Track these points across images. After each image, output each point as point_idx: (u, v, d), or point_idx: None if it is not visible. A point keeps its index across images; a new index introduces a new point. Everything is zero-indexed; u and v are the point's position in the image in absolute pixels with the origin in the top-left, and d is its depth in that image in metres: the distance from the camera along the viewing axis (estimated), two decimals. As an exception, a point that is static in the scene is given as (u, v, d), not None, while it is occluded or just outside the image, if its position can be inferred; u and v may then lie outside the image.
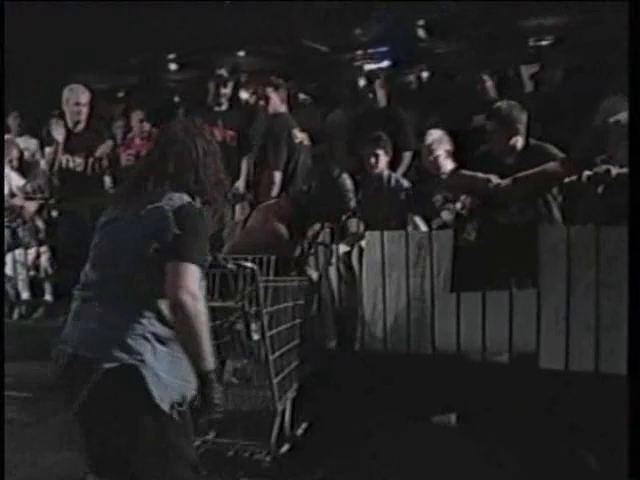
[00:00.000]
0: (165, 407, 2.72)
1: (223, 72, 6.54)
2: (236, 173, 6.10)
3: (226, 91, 6.29)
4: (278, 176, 5.64)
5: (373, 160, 5.85)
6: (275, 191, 5.65)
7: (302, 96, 10.71)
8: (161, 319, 2.75)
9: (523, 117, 5.04)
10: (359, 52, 12.48)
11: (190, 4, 11.04)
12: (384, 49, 12.50)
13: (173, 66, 12.41)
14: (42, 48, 10.32)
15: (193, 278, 2.68)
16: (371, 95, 6.79)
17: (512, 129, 4.97)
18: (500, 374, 4.79)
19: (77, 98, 6.37)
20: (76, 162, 6.26)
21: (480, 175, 4.91)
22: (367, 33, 12.34)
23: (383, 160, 5.89)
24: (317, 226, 4.75)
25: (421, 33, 12.17)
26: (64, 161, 6.26)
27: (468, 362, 4.91)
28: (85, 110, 6.34)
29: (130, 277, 2.75)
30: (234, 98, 6.69)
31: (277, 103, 5.94)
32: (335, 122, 6.98)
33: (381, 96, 6.71)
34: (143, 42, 11.55)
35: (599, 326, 4.54)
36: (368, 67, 12.15)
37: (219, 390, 2.77)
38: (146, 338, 2.73)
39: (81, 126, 6.40)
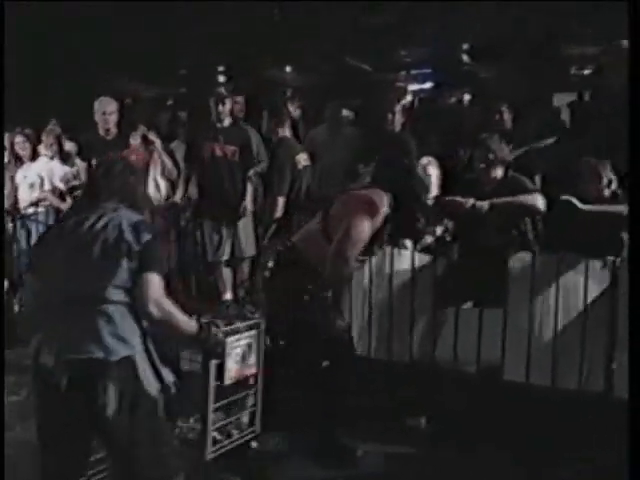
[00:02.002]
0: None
1: (222, 90, 6.90)
2: (240, 188, 6.47)
3: (226, 108, 6.61)
4: (281, 201, 5.97)
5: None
6: (278, 215, 5.98)
7: (345, 112, 11.02)
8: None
9: (504, 149, 5.37)
10: (402, 73, 12.75)
11: (242, 18, 11.56)
12: (427, 71, 12.76)
13: (222, 78, 12.91)
14: (94, 57, 10.97)
15: (155, 287, 3.02)
16: (390, 116, 7.01)
17: (493, 160, 5.29)
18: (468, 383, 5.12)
19: (104, 108, 6.82)
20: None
21: (460, 199, 5.21)
22: (411, 54, 12.65)
23: None
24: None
25: (465, 57, 12.43)
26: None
27: (441, 370, 5.22)
28: (112, 119, 6.80)
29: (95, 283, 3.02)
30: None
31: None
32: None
33: (397, 120, 6.92)
34: (193, 53, 12.12)
35: (556, 345, 4.85)
36: (411, 88, 12.43)
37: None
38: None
39: (112, 134, 6.88)
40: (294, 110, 8.22)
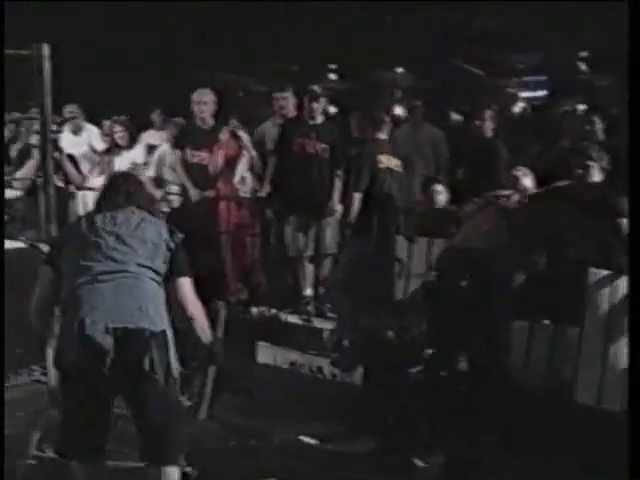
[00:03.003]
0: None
1: (316, 88, 6.85)
2: (328, 185, 6.42)
3: (319, 106, 6.60)
4: (357, 197, 5.81)
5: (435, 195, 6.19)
6: (354, 212, 5.81)
7: (454, 116, 10.88)
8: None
9: (604, 158, 5.16)
10: (514, 79, 12.50)
11: (355, 19, 11.60)
12: (541, 78, 12.47)
13: (333, 76, 12.98)
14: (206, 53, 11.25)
15: (191, 289, 3.40)
16: (478, 122, 6.89)
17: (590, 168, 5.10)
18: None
19: (200, 98, 6.97)
20: (201, 156, 6.86)
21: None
22: (525, 61, 12.39)
23: (442, 196, 6.22)
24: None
25: (582, 66, 12.06)
26: (189, 156, 6.87)
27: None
28: (207, 108, 6.92)
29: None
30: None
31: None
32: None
33: (488, 127, 6.78)
34: (306, 51, 12.23)
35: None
36: (524, 95, 12.17)
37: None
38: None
39: (208, 124, 7.00)
40: (402, 111, 8.15)
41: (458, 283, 4.84)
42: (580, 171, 5.16)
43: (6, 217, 6.40)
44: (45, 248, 4.18)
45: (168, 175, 7.06)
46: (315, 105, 6.53)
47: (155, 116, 8.18)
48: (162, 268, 3.37)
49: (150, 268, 3.34)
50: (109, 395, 3.30)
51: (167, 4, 10.15)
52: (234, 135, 6.81)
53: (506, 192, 5.28)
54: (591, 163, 5.12)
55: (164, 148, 7.21)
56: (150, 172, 7.07)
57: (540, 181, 5.62)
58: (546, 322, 5.11)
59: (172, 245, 3.41)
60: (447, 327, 4.96)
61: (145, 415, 3.27)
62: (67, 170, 6.98)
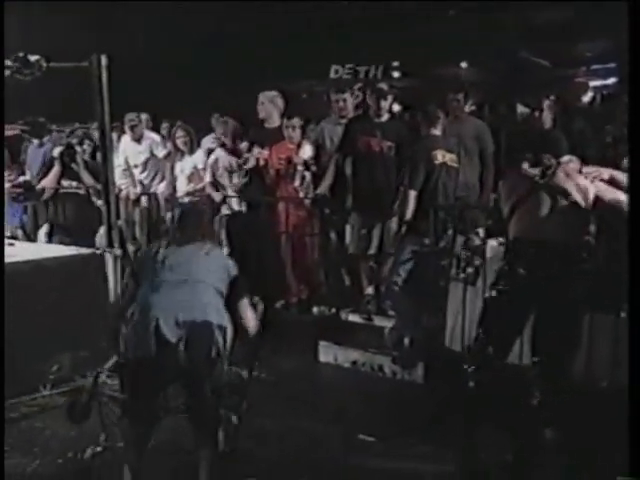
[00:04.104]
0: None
1: (383, 86, 6.81)
2: (393, 184, 6.33)
3: (386, 103, 6.56)
4: (413, 195, 5.74)
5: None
6: (410, 210, 5.75)
7: (521, 108, 10.72)
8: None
9: None
10: (583, 68, 12.24)
11: (417, 17, 11.55)
12: (611, 65, 12.17)
13: (396, 74, 12.92)
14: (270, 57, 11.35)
15: (248, 308, 4.03)
16: (537, 114, 6.78)
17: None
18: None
19: (264, 99, 7.11)
20: (263, 154, 6.94)
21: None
22: (592, 49, 12.12)
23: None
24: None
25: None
26: (255, 152, 6.97)
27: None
28: (270, 109, 7.05)
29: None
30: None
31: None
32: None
33: (547, 117, 6.65)
34: (369, 50, 12.23)
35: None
36: (593, 84, 11.89)
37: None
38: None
39: (273, 124, 7.12)
40: (468, 107, 8.00)
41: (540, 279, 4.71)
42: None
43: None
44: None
45: (224, 179, 7.15)
46: (382, 103, 6.50)
47: (214, 120, 8.28)
48: (224, 289, 3.95)
49: (213, 285, 3.91)
50: (170, 382, 3.87)
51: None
52: (295, 135, 6.85)
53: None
54: None
55: (218, 152, 7.31)
56: (207, 177, 7.18)
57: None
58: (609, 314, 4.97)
59: (233, 272, 4.01)
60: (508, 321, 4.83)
61: (201, 400, 3.80)
62: (85, 181, 7.10)
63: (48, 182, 7.03)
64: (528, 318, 4.75)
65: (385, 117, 6.54)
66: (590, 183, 4.77)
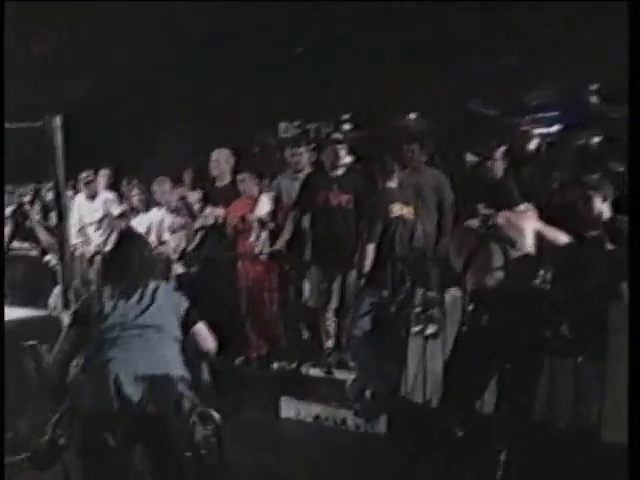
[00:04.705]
0: None
1: (337, 137, 6.89)
2: (354, 237, 6.28)
3: (342, 157, 6.59)
4: (371, 248, 5.77)
5: None
6: (368, 263, 5.76)
7: (469, 157, 10.90)
8: None
9: (611, 189, 5.15)
10: (528, 117, 12.51)
11: (366, 66, 11.71)
12: (554, 114, 12.46)
13: (347, 126, 13.06)
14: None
15: (206, 330, 3.94)
16: (489, 163, 6.87)
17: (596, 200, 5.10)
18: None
19: (217, 157, 7.15)
20: (215, 213, 6.96)
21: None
22: (537, 97, 12.41)
23: None
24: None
25: (593, 99, 12.06)
26: (207, 211, 6.98)
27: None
28: (220, 167, 7.10)
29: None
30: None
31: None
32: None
33: (498, 167, 6.74)
34: (320, 101, 12.34)
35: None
36: (538, 131, 12.17)
37: None
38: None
39: (223, 181, 7.16)
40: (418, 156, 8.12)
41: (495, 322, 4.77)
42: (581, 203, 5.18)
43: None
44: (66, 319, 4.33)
45: (170, 238, 7.14)
46: (338, 156, 6.56)
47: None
48: (180, 332, 3.84)
49: (168, 333, 3.80)
50: (132, 442, 3.67)
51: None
52: (251, 190, 6.89)
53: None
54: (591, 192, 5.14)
55: (162, 212, 7.31)
56: (152, 237, 7.09)
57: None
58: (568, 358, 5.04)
59: (184, 306, 3.90)
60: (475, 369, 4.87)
61: (164, 458, 3.66)
62: (41, 238, 7.03)
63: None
64: (492, 366, 4.82)
65: (341, 170, 6.59)
66: (532, 225, 4.92)
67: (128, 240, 4.15)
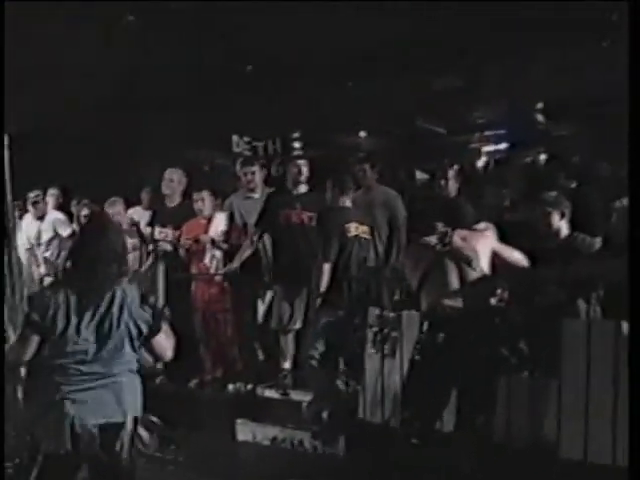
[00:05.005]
0: None
1: (298, 154, 6.90)
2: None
3: (303, 175, 6.53)
4: (327, 267, 5.79)
5: None
6: (324, 282, 5.78)
7: (419, 175, 10.97)
8: None
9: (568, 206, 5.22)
10: (476, 134, 12.65)
11: (315, 86, 11.71)
12: (501, 132, 12.63)
13: (297, 144, 13.05)
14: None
15: (165, 339, 3.87)
16: (442, 182, 6.93)
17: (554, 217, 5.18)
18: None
19: (170, 176, 7.10)
20: (166, 234, 6.88)
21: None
22: (484, 115, 12.55)
23: None
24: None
25: (539, 117, 12.26)
26: (156, 232, 6.91)
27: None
28: (173, 186, 7.05)
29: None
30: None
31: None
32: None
33: (452, 186, 6.79)
34: (269, 120, 12.29)
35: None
36: (486, 149, 12.33)
37: None
38: None
39: (173, 202, 7.08)
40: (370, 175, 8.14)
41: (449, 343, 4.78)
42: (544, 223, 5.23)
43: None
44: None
45: None
46: (301, 172, 6.52)
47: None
48: (138, 362, 3.81)
49: (128, 368, 3.74)
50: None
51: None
52: (205, 209, 6.83)
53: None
54: (549, 209, 5.21)
55: None
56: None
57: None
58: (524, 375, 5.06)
59: (148, 323, 3.77)
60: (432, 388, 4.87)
61: None
62: None
63: None
64: (449, 384, 4.83)
65: (303, 187, 6.56)
66: (489, 244, 4.96)
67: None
